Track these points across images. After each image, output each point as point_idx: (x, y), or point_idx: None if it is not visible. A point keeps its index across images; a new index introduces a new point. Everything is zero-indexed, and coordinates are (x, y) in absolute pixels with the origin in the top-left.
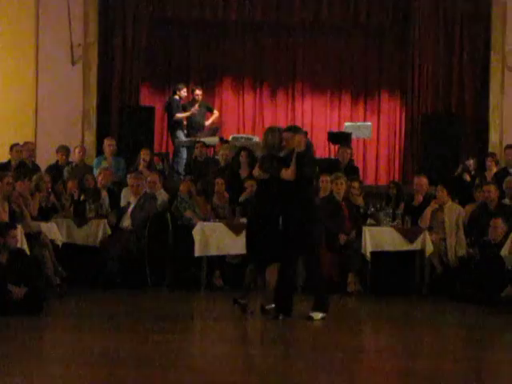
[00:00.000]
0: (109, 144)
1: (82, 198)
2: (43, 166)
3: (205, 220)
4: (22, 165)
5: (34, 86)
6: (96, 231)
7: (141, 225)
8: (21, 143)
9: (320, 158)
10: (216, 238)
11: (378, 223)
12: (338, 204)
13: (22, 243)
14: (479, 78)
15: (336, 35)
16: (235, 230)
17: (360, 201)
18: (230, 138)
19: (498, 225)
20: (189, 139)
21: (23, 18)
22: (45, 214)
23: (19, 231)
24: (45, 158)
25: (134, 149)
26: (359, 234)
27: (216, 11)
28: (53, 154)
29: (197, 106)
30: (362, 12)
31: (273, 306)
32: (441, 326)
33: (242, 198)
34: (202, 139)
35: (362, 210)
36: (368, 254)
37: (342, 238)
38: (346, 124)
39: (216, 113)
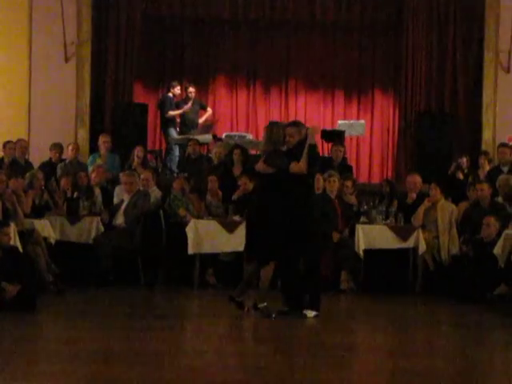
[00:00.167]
0: (104, 141)
1: (75, 195)
2: (37, 164)
3: (198, 218)
4: (15, 162)
5: (27, 84)
6: (89, 229)
7: (134, 222)
8: (14, 140)
9: None
10: (209, 236)
11: (371, 221)
12: (331, 202)
13: (15, 241)
14: (472, 77)
15: (329, 33)
16: (228, 227)
17: (353, 199)
18: (223, 136)
19: (491, 223)
20: (182, 137)
21: (17, 15)
22: (38, 212)
23: (12, 229)
24: (38, 155)
25: (127, 146)
26: (352, 232)
27: (209, 9)
28: (46, 152)
29: (190, 103)
30: (356, 10)
31: (265, 304)
32: (434, 323)
33: (235, 196)
34: (196, 137)
35: (354, 209)
36: (361, 252)
37: (335, 235)
38: (340, 122)
39: (209, 110)
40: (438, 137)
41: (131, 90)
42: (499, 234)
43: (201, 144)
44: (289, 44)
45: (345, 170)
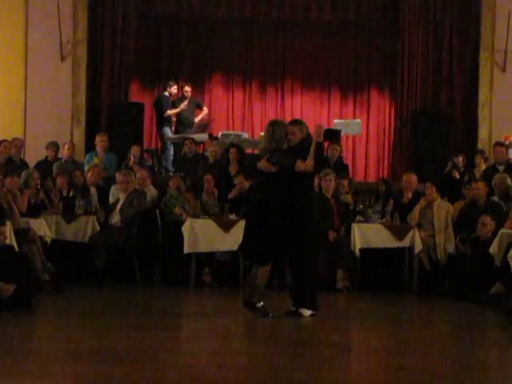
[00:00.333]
0: (101, 140)
1: (71, 194)
2: (33, 163)
3: (194, 217)
4: (10, 161)
5: (23, 83)
6: (85, 228)
7: (130, 221)
8: (9, 139)
9: None
10: (205, 235)
11: (367, 220)
12: (327, 201)
13: (11, 240)
14: (468, 75)
15: (325, 32)
16: (224, 226)
17: (349, 199)
18: (219, 135)
19: (487, 222)
20: (178, 136)
21: (12, 14)
22: (34, 211)
23: (8, 228)
24: (34, 154)
25: (123, 145)
26: (348, 231)
27: (206, 8)
28: (42, 151)
29: (186, 102)
30: (352, 9)
31: (262, 303)
32: (429, 322)
33: (231, 195)
34: (192, 136)
35: (350, 208)
36: (357, 251)
37: (331, 234)
38: (336, 121)
39: (205, 109)
40: (434, 136)
41: (127, 89)
42: (495, 233)
43: (197, 143)
44: (285, 43)
45: (341, 169)
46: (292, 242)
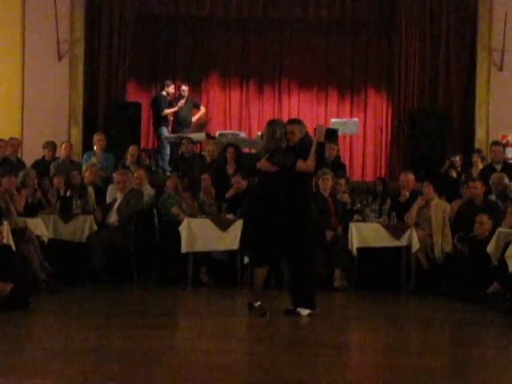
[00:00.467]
0: (98, 139)
1: (68, 193)
2: (30, 162)
3: (191, 216)
4: (7, 160)
5: (20, 82)
6: (82, 227)
7: (127, 221)
8: (6, 139)
9: None
10: (202, 234)
11: (364, 219)
12: (325, 200)
13: (8, 239)
14: (465, 75)
15: (322, 31)
16: (222, 226)
17: (346, 198)
18: (216, 134)
19: (484, 221)
20: (175, 135)
21: (9, 13)
22: (31, 210)
23: (5, 227)
24: (31, 153)
25: (120, 144)
26: (346, 230)
27: (203, 7)
28: (39, 150)
29: (183, 101)
30: (349, 8)
31: (259, 303)
32: (427, 322)
33: (228, 194)
34: (189, 135)
35: (348, 207)
36: (354, 250)
37: (329, 233)
38: (333, 120)
39: (203, 109)
40: (431, 135)
41: (124, 89)
42: (492, 232)
43: (194, 142)
44: (282, 42)
45: (338, 168)
46: (291, 241)
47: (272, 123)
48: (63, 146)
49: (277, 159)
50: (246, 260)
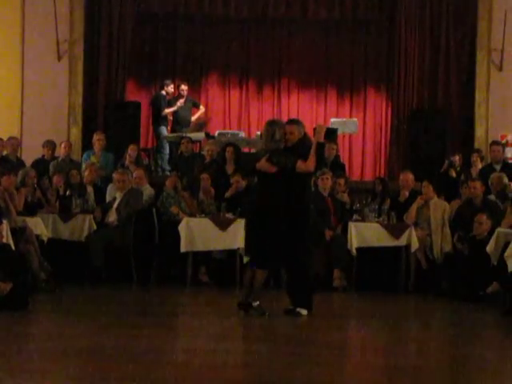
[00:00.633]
0: (98, 138)
1: (67, 193)
2: (29, 161)
3: (191, 215)
4: (6, 160)
5: (20, 82)
6: (81, 226)
7: (126, 220)
8: (5, 138)
9: None
10: (202, 234)
11: (363, 219)
12: (324, 200)
13: (8, 238)
14: (465, 74)
15: (322, 31)
16: (221, 225)
17: (345, 197)
18: (215, 134)
19: (483, 221)
20: (174, 135)
21: (9, 13)
22: (30, 209)
23: (4, 226)
24: (31, 152)
25: (120, 144)
26: (345, 230)
27: (202, 6)
28: (39, 149)
29: (182, 100)
30: (348, 8)
31: (258, 302)
32: (426, 322)
33: (228, 194)
34: (188, 135)
35: (347, 206)
36: (354, 250)
37: (328, 233)
38: (332, 120)
39: (202, 108)
40: (431, 135)
41: (124, 88)
42: (491, 232)
43: (193, 142)
44: (281, 42)
45: (337, 167)
46: (290, 242)
47: (271, 123)
48: (63, 146)
49: (277, 160)
50: (246, 259)
